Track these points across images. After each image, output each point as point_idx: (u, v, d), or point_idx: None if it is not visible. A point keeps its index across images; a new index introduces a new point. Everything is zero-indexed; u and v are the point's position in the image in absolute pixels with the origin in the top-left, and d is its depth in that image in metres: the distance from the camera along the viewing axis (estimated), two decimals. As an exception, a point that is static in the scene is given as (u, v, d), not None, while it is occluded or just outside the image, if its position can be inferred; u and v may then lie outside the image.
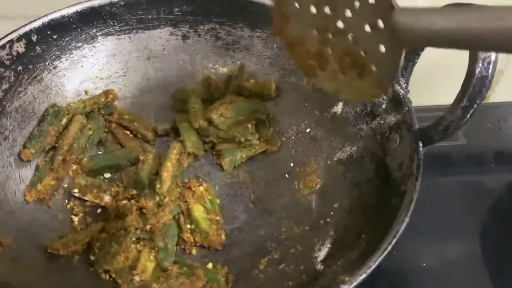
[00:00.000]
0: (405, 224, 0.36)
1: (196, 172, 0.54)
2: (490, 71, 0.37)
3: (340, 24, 0.37)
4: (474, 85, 0.37)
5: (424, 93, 0.78)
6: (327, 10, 0.37)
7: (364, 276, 0.32)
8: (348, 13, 0.36)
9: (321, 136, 0.54)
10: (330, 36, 0.38)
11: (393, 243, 0.34)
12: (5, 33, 0.60)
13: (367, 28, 0.35)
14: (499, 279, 0.54)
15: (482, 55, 0.37)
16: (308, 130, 0.56)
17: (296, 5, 0.39)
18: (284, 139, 0.56)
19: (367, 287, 0.51)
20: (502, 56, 0.78)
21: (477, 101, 0.38)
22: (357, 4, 0.35)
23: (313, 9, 0.38)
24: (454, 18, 0.28)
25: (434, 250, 0.56)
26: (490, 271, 0.54)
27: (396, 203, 0.38)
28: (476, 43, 0.28)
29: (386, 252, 0.34)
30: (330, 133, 0.54)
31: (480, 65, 0.37)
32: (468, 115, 0.38)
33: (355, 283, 0.32)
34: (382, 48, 0.35)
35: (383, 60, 0.35)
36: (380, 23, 0.34)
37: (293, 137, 0.56)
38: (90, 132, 0.53)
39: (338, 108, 0.53)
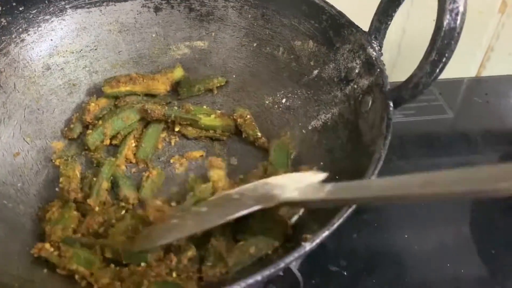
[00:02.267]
0: (371, 182, 0.34)
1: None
2: (458, 22, 0.36)
3: None
4: (443, 38, 0.36)
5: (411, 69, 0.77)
6: None
7: (326, 233, 0.31)
8: None
9: (297, 105, 0.53)
10: None
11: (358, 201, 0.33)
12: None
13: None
14: (490, 257, 0.53)
15: (450, 5, 0.35)
16: (284, 100, 0.55)
17: None
18: (260, 110, 0.55)
19: (356, 269, 0.51)
20: (492, 32, 0.78)
21: (446, 55, 0.36)
22: None
23: None
24: None
25: (423, 232, 0.56)
26: (479, 250, 0.54)
27: (366, 163, 0.37)
28: None
29: (350, 210, 0.32)
30: (305, 102, 0.52)
31: (448, 16, 0.35)
32: (438, 70, 0.37)
33: (317, 240, 0.31)
34: None
35: None
36: None
37: (270, 109, 0.55)
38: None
39: (313, 76, 0.52)
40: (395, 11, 0.46)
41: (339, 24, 0.49)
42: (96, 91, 0.56)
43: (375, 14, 0.47)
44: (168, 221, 0.37)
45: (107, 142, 0.52)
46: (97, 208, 0.45)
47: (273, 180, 0.35)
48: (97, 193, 0.46)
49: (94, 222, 0.43)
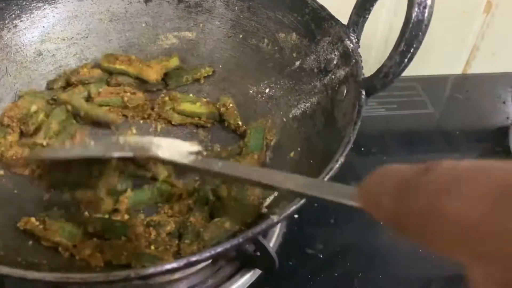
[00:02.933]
0: (339, 163, 0.36)
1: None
2: (426, 15, 0.38)
3: None
4: (411, 30, 0.38)
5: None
6: None
7: (293, 208, 0.33)
8: None
9: (279, 95, 0.55)
10: None
11: (325, 180, 0.35)
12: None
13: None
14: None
15: (418, -1, 0.37)
16: (267, 90, 0.56)
17: None
18: (244, 99, 0.57)
19: (332, 253, 0.52)
20: (477, 32, 0.81)
21: (414, 45, 0.38)
22: None
23: None
24: None
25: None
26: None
27: (336, 147, 0.39)
28: None
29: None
30: (287, 91, 0.54)
31: (416, 9, 0.38)
32: (406, 60, 0.39)
33: (284, 214, 0.33)
34: None
35: None
36: None
37: (253, 98, 0.57)
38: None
39: (295, 67, 0.54)
40: (372, 5, 0.48)
41: (320, 17, 0.51)
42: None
43: (354, 8, 0.49)
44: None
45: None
46: (44, 143, 0.49)
47: (156, 139, 0.40)
48: (45, 133, 0.50)
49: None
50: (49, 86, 0.55)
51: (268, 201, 0.43)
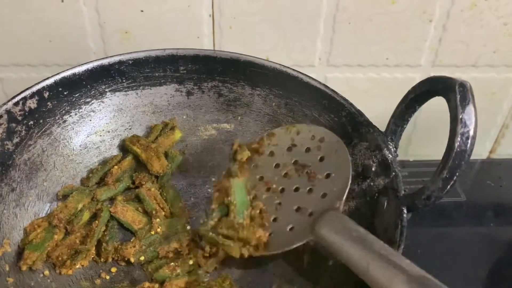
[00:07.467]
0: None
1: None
2: (468, 145, 0.39)
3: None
4: (454, 159, 0.39)
5: (426, 145, 0.80)
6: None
7: None
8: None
9: (315, 192, 0.56)
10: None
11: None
12: (26, 79, 0.65)
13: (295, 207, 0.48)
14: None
15: (461, 129, 0.39)
16: (303, 186, 0.57)
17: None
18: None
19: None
20: (506, 111, 0.81)
21: (457, 173, 0.39)
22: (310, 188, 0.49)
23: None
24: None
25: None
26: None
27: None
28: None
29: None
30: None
31: (459, 139, 0.39)
32: (449, 186, 0.40)
33: None
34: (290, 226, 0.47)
35: (284, 233, 0.47)
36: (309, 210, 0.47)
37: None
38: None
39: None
40: (411, 116, 0.49)
41: (358, 122, 0.52)
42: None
43: (392, 117, 0.50)
44: None
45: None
46: (93, 250, 0.51)
47: None
48: (95, 240, 0.52)
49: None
50: (84, 184, 0.57)
51: None
